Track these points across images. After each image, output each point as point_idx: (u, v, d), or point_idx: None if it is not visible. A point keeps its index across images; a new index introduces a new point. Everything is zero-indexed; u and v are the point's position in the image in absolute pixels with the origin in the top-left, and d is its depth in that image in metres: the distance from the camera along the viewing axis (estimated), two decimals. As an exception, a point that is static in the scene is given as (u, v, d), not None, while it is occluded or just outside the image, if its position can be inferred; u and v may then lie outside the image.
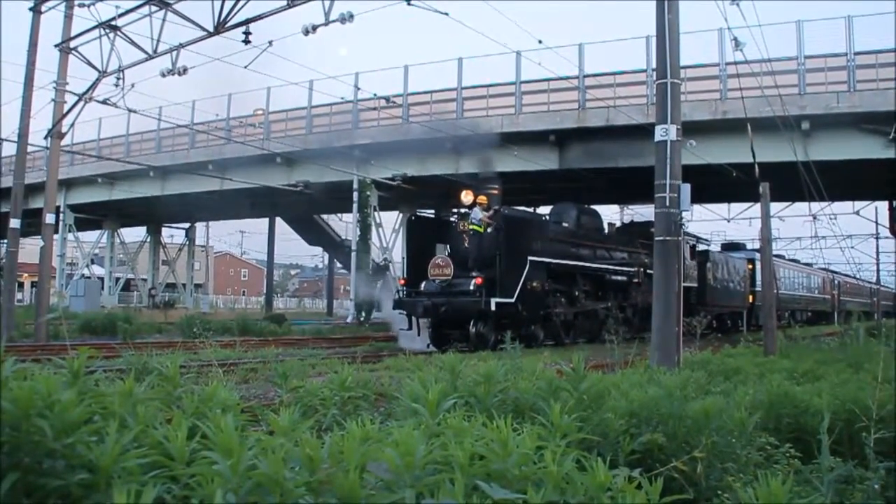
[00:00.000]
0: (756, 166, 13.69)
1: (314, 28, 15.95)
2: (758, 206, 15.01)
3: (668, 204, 9.55)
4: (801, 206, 31.35)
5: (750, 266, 32.70)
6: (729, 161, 21.08)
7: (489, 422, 2.31)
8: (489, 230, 17.60)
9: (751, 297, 32.19)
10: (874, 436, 3.66)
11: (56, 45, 18.94)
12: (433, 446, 2.11)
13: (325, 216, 45.05)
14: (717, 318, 26.86)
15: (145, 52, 18.14)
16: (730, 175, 21.16)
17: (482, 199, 17.87)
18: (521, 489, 2.03)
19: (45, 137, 19.97)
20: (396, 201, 31.41)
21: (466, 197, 18.10)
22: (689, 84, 19.58)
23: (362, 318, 28.35)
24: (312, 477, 1.94)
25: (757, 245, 30.81)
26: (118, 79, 18.63)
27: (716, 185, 24.41)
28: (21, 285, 49.27)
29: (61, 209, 35.69)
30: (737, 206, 36.94)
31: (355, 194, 28.76)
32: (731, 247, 37.07)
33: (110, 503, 1.76)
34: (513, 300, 16.97)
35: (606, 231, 24.00)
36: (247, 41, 16.03)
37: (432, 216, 21.38)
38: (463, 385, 3.62)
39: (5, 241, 18.70)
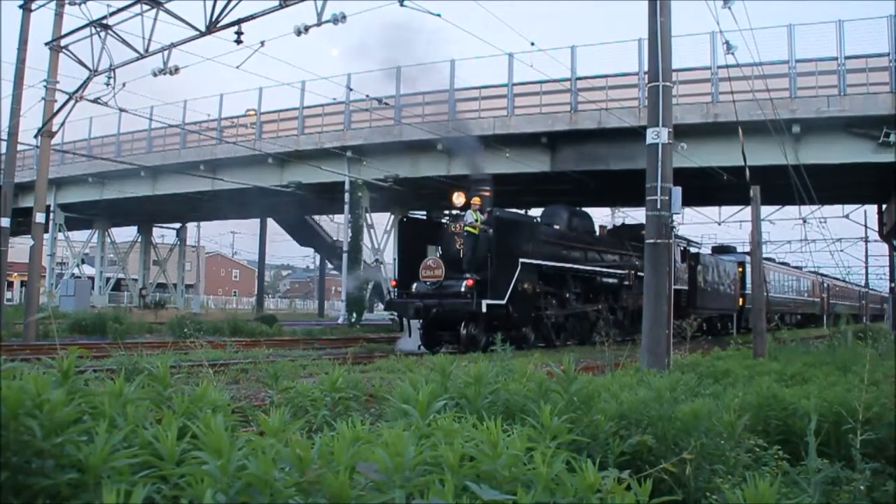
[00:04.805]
0: (747, 169, 13.74)
1: (307, 28, 15.94)
2: (748, 209, 15.08)
3: (659, 207, 9.59)
4: (792, 210, 31.55)
5: (740, 269, 32.83)
6: (720, 164, 21.17)
7: (479, 423, 2.31)
8: (482, 232, 17.62)
9: (741, 300, 32.30)
10: (860, 437, 3.69)
11: (46, 44, 18.86)
12: (423, 447, 2.12)
13: (316, 217, 44.98)
14: (707, 320, 26.95)
15: (137, 52, 18.09)
16: (721, 178, 21.26)
17: (476, 200, 17.89)
18: (511, 490, 2.04)
19: (36, 136, 19.89)
20: (388, 202, 31.41)
21: (458, 199, 18.13)
22: (680, 87, 19.67)
23: (353, 320, 28.32)
24: (302, 477, 1.94)
25: (747, 248, 30.94)
26: (109, 78, 18.57)
27: (707, 188, 24.53)
28: (11, 285, 49.01)
29: (51, 208, 35.53)
30: (727, 209, 37.24)
31: (347, 195, 28.74)
32: (721, 250, 37.19)
33: (99, 503, 1.76)
34: (504, 302, 16.99)
35: (597, 233, 24.06)
36: (239, 41, 16.00)
37: (424, 218, 21.38)
38: (453, 386, 3.62)
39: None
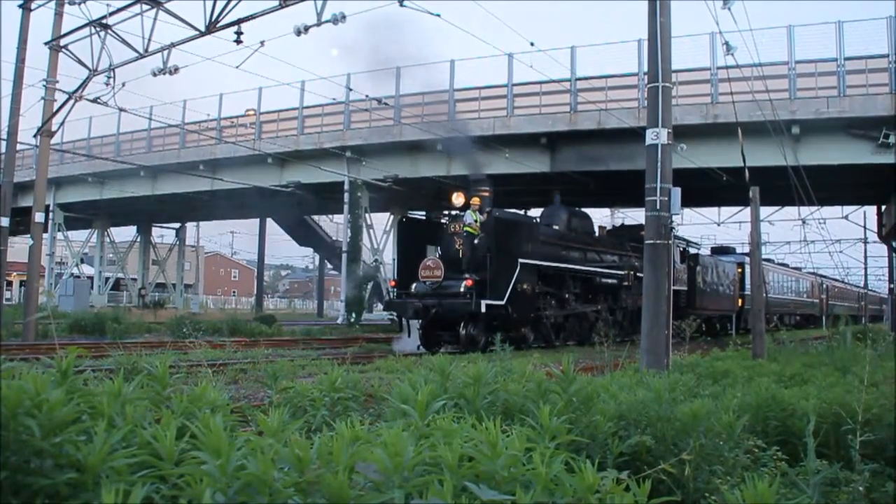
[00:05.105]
0: (746, 170, 13.76)
1: (306, 28, 15.93)
2: (747, 210, 15.09)
3: (658, 207, 9.59)
4: (791, 211, 31.56)
5: (739, 270, 32.84)
6: (719, 165, 21.17)
7: (478, 423, 2.31)
8: (481, 233, 17.63)
9: (740, 301, 32.33)
10: (860, 438, 3.70)
11: (46, 43, 18.85)
12: (422, 447, 2.11)
13: (315, 217, 44.97)
14: (706, 321, 26.94)
15: (136, 51, 18.07)
16: (720, 179, 21.25)
17: (476, 200, 17.89)
18: (510, 490, 2.04)
19: (35, 136, 19.88)
20: (388, 203, 31.41)
21: (458, 199, 18.13)
22: (680, 88, 19.68)
23: (353, 320, 28.32)
24: (301, 477, 1.94)
25: (746, 249, 30.96)
26: (109, 77, 18.56)
27: (706, 188, 24.53)
28: (10, 284, 49.01)
29: (51, 208, 35.52)
30: (727, 210, 37.27)
31: (346, 195, 28.74)
32: (720, 250, 37.21)
33: (98, 503, 1.76)
34: (503, 302, 16.99)
35: (597, 234, 24.06)
36: (238, 41, 15.99)
37: (423, 218, 21.39)
38: (453, 386, 3.62)
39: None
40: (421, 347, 17.23)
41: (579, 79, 24.36)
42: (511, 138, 24.78)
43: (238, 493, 1.87)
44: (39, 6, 18.97)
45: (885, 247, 37.64)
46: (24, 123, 19.65)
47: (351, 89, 25.68)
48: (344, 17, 15.58)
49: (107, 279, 43.75)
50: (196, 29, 16.74)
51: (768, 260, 38.42)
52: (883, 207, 31.22)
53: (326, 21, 15.60)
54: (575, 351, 16.58)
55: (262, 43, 16.43)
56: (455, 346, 17.01)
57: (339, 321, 30.08)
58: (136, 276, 46.05)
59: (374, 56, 32.32)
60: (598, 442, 3.36)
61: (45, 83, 18.84)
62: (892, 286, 38.25)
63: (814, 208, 26.64)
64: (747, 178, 13.67)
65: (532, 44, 20.13)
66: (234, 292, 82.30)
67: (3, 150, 19.57)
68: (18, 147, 19.95)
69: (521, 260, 17.79)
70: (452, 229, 18.01)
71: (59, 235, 40.44)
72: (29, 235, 19.65)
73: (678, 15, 10.35)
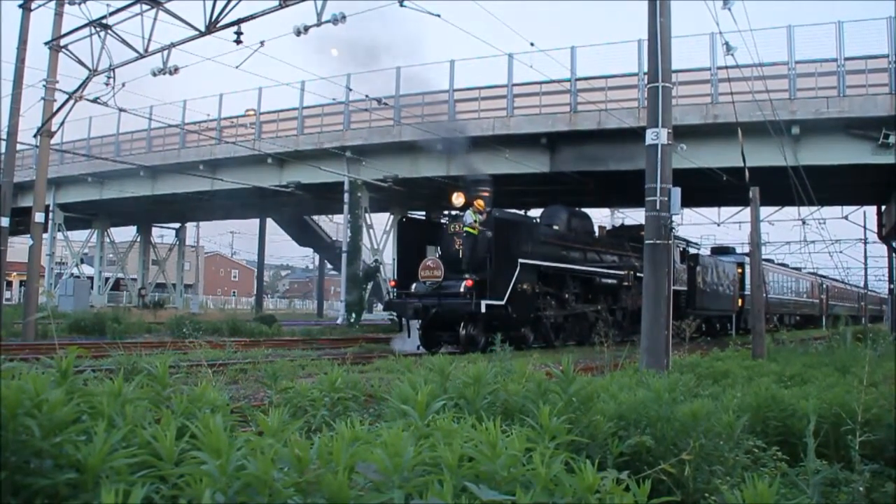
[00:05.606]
0: (746, 170, 13.76)
1: (306, 28, 15.93)
2: (747, 210, 15.09)
3: (658, 207, 9.59)
4: (791, 211, 31.55)
5: (739, 270, 32.84)
6: (719, 165, 21.17)
7: (478, 423, 2.31)
8: (481, 233, 17.63)
9: (740, 301, 32.32)
10: (859, 438, 3.70)
11: (46, 43, 18.85)
12: (422, 448, 2.12)
13: (315, 217, 44.97)
14: (706, 321, 26.93)
15: (136, 51, 18.08)
16: (720, 179, 21.26)
17: (479, 202, 17.88)
18: (510, 491, 2.04)
19: (35, 136, 19.87)
20: (387, 203, 31.40)
21: (458, 199, 18.12)
22: (680, 88, 19.67)
23: (352, 320, 28.31)
24: (301, 477, 1.94)
25: (746, 249, 30.96)
26: (109, 77, 18.56)
27: (706, 188, 24.52)
28: (10, 284, 49.01)
29: (50, 208, 35.51)
30: (727, 210, 37.24)
31: (346, 195, 28.74)
32: (720, 251, 37.20)
33: (98, 503, 1.76)
34: (503, 302, 16.99)
35: (597, 234, 24.05)
36: (238, 41, 15.99)
37: (423, 218, 21.38)
38: (452, 387, 3.62)
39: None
40: (421, 347, 17.23)
41: (579, 79, 24.36)
42: (511, 138, 24.77)
43: (238, 493, 1.87)
44: (39, 6, 18.97)
45: (884, 247, 37.60)
46: (24, 123, 19.66)
47: (351, 89, 25.68)
48: (344, 17, 15.58)
49: (107, 279, 43.75)
50: (196, 29, 16.74)
51: (768, 260, 38.42)
52: (883, 207, 31.21)
53: (326, 21, 15.60)
54: (575, 351, 16.58)
55: (261, 43, 16.44)
56: (455, 346, 17.01)
57: (338, 321, 30.06)
58: (136, 276, 46.05)
59: (362, 48, 32.45)
60: (598, 442, 3.35)
61: (45, 83, 18.84)
62: (892, 286, 38.22)
63: (814, 208, 26.64)
64: (747, 178, 13.67)
65: (532, 44, 20.13)
66: (233, 292, 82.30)
67: (3, 150, 19.56)
68: (18, 147, 19.93)
69: (520, 260, 17.79)
70: (452, 229, 18.01)
71: (59, 235, 40.44)
72: (29, 235, 19.64)
73: (678, 15, 10.35)
